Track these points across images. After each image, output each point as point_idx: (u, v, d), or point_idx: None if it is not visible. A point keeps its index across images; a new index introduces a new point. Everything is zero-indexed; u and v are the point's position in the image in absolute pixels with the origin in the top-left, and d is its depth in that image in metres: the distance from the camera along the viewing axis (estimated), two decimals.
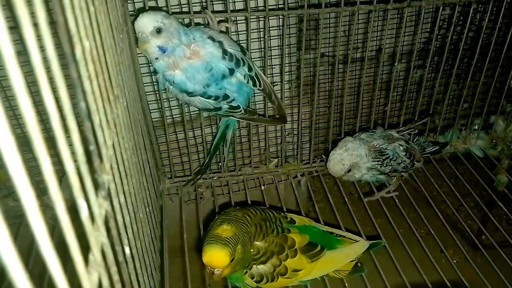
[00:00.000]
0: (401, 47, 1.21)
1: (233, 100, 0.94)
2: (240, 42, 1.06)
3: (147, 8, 0.90)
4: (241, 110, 0.97)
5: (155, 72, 0.91)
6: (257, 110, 1.10)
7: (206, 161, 1.15)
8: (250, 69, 0.92)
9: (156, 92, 1.08)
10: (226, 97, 0.93)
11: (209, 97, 0.92)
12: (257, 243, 0.83)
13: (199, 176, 1.17)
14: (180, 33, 0.84)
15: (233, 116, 1.00)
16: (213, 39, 0.87)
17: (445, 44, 1.13)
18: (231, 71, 0.89)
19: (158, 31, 0.81)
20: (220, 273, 0.77)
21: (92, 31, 0.40)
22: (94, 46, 0.40)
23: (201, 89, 0.89)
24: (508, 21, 1.13)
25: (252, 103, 1.10)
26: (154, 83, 1.08)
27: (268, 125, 1.14)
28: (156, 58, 0.86)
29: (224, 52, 0.87)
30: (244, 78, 0.92)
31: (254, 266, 0.83)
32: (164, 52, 0.84)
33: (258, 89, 0.97)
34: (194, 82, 0.88)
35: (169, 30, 0.82)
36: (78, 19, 0.33)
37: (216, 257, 0.75)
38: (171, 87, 0.91)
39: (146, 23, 0.81)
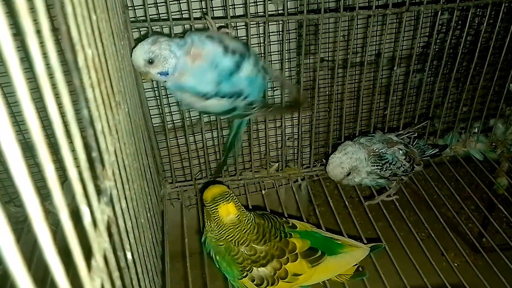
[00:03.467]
0: (400, 51, 1.21)
1: (248, 95, 0.92)
2: None
3: (148, 14, 0.91)
4: (256, 106, 0.94)
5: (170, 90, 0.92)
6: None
7: (222, 161, 1.14)
8: (256, 62, 0.90)
9: (157, 97, 1.09)
10: (240, 93, 0.90)
11: (223, 96, 0.89)
12: (257, 246, 0.84)
13: (216, 176, 1.16)
14: (173, 49, 0.83)
15: (250, 113, 0.96)
16: (211, 38, 0.86)
17: (444, 48, 1.13)
18: (237, 66, 0.86)
19: (151, 61, 0.83)
20: None
21: (94, 39, 0.40)
22: (96, 54, 0.41)
23: (213, 88, 0.87)
24: (507, 25, 1.14)
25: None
26: (155, 89, 1.09)
27: (285, 113, 1.11)
28: (164, 81, 0.87)
29: (225, 48, 0.85)
30: (252, 71, 0.89)
31: (254, 268, 0.83)
32: (167, 74, 0.85)
33: (270, 80, 0.95)
34: (205, 83, 0.87)
35: (161, 54, 0.82)
36: (80, 27, 0.33)
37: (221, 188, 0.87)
38: (187, 96, 0.90)
39: (137, 59, 0.83)
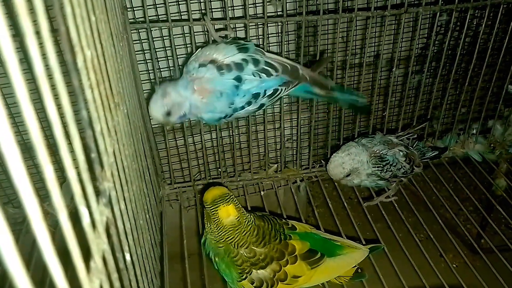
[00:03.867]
0: (399, 53, 1.21)
1: (265, 91, 0.91)
2: None
3: (147, 15, 0.91)
4: (281, 90, 0.92)
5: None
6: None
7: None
8: (256, 63, 0.88)
9: None
10: (256, 95, 0.90)
11: (243, 107, 0.91)
12: (257, 248, 0.84)
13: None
14: (182, 93, 0.88)
15: (281, 95, 0.94)
16: (204, 64, 0.87)
17: (442, 49, 1.14)
18: (238, 79, 0.87)
19: (168, 113, 0.89)
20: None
21: (93, 40, 0.40)
22: (95, 55, 0.41)
23: (229, 109, 0.90)
24: (505, 26, 1.14)
25: None
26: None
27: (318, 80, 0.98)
28: (185, 120, 0.97)
29: (219, 67, 0.86)
30: (255, 76, 0.88)
31: (254, 271, 0.83)
32: (185, 116, 0.91)
33: (277, 75, 0.91)
34: (219, 111, 0.90)
35: (174, 104, 0.88)
36: (79, 29, 0.33)
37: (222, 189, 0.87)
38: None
39: (156, 115, 0.90)
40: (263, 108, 0.97)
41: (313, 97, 1.04)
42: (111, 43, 0.57)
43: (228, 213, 0.85)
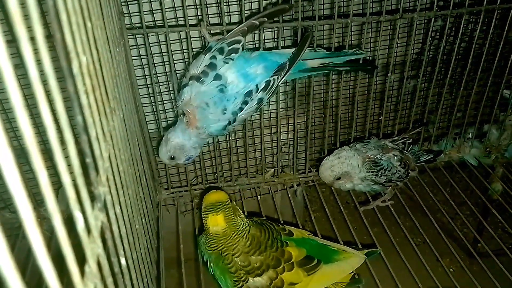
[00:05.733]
0: (394, 58, 1.22)
1: (257, 85, 0.90)
2: None
3: (143, 21, 0.91)
4: (273, 80, 0.91)
5: None
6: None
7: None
8: (221, 51, 0.87)
9: (153, 103, 1.09)
10: (249, 93, 0.90)
11: (241, 109, 0.91)
12: (252, 257, 0.84)
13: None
14: (180, 135, 0.95)
15: (276, 85, 0.93)
16: (186, 84, 0.89)
17: (437, 54, 1.15)
18: (217, 77, 0.87)
19: (172, 158, 0.97)
20: None
21: (89, 46, 0.40)
22: (91, 61, 0.41)
23: (226, 115, 0.91)
24: (500, 32, 1.15)
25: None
26: (150, 95, 1.09)
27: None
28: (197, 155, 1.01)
29: (198, 78, 0.87)
30: (227, 63, 0.88)
31: (250, 279, 0.83)
32: (191, 158, 0.99)
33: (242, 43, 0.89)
34: (219, 121, 0.91)
35: (175, 148, 0.96)
36: (75, 35, 0.34)
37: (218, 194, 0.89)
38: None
39: (163, 160, 1.00)
40: (265, 102, 0.96)
41: (311, 74, 1.03)
42: (107, 49, 0.58)
43: (215, 223, 0.85)
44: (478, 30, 1.11)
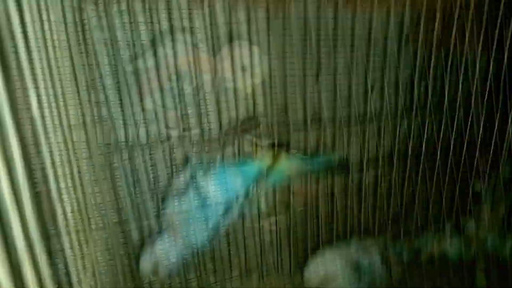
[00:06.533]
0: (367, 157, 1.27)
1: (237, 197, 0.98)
2: None
3: None
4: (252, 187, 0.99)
5: None
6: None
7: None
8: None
9: None
10: (228, 206, 0.97)
11: (225, 218, 0.97)
12: None
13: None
14: (160, 248, 0.98)
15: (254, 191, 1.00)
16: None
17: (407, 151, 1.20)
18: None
19: (156, 271, 1.00)
20: None
21: None
22: None
23: (208, 225, 0.97)
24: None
25: None
26: None
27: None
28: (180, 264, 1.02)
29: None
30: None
31: None
32: (173, 266, 1.01)
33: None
34: (200, 230, 0.97)
35: (157, 260, 0.99)
36: None
37: None
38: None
39: (146, 273, 1.01)
40: (250, 196, 1.01)
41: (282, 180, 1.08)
42: None
43: None
44: (441, 134, 1.18)
